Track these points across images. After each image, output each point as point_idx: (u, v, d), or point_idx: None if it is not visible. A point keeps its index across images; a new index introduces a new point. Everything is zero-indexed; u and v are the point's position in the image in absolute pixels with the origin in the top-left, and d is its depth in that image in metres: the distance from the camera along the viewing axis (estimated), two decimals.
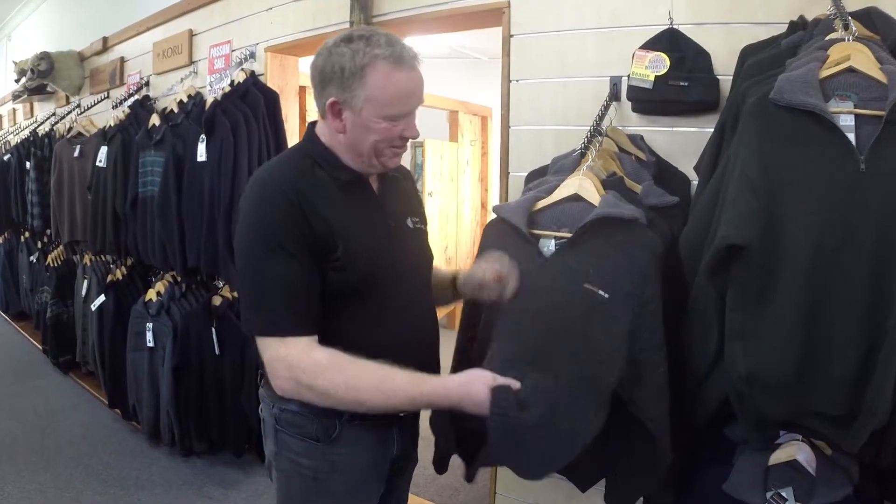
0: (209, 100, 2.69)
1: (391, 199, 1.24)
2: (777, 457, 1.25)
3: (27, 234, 4.58)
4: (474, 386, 1.06)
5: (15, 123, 5.94)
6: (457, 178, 5.14)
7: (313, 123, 1.23)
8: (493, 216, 1.41)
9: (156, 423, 2.82)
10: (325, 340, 1.10)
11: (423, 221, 1.33)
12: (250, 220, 1.10)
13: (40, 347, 4.21)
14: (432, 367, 1.27)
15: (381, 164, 1.16)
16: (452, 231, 5.14)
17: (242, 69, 2.70)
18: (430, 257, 1.34)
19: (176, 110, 2.86)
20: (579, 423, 1.13)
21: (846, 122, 1.14)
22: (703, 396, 1.28)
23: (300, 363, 1.06)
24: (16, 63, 4.63)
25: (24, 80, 4.46)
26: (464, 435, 1.21)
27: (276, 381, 1.09)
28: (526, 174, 1.80)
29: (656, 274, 1.22)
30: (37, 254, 4.45)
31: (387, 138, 1.12)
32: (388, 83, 1.07)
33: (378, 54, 1.06)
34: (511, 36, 1.99)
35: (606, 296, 1.17)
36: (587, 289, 1.17)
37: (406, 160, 5.10)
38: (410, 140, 1.18)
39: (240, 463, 2.77)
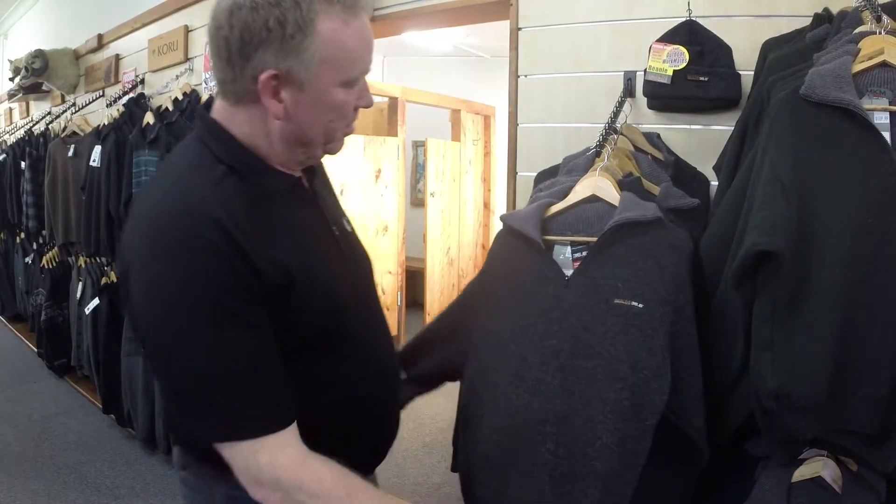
0: (204, 97, 2.63)
1: (325, 199, 0.99)
2: (801, 473, 1.17)
3: (22, 234, 4.54)
4: None
5: (11, 123, 5.90)
6: (459, 179, 5.09)
7: (207, 109, 0.90)
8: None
9: (151, 430, 2.77)
10: None
11: (349, 220, 1.08)
12: (168, 279, 0.75)
13: (36, 350, 4.16)
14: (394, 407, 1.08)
15: (327, 151, 0.91)
16: (455, 232, 5.09)
17: None
18: (371, 264, 1.09)
19: (171, 108, 2.80)
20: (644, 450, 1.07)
21: (881, 119, 1.07)
22: (727, 411, 1.21)
23: (297, 477, 0.77)
24: (11, 61, 4.58)
25: (18, 78, 4.42)
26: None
27: (261, 493, 0.79)
28: (535, 174, 1.74)
29: (688, 275, 1.12)
30: (32, 255, 4.41)
31: (343, 114, 0.86)
32: (347, 35, 0.81)
33: None
34: (519, 29, 1.94)
35: (641, 306, 1.07)
36: (618, 304, 1.08)
37: (408, 160, 5.10)
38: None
39: None
